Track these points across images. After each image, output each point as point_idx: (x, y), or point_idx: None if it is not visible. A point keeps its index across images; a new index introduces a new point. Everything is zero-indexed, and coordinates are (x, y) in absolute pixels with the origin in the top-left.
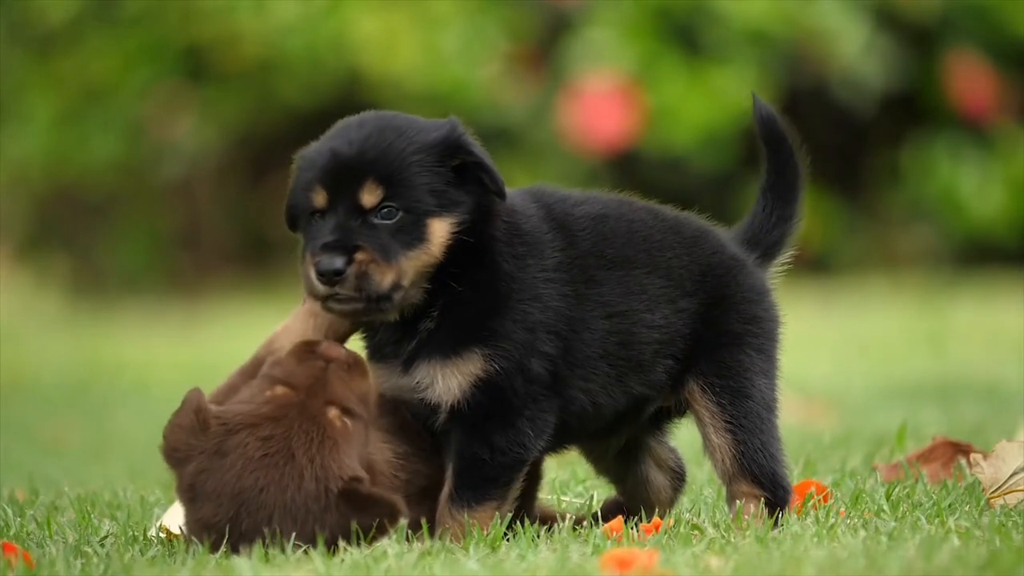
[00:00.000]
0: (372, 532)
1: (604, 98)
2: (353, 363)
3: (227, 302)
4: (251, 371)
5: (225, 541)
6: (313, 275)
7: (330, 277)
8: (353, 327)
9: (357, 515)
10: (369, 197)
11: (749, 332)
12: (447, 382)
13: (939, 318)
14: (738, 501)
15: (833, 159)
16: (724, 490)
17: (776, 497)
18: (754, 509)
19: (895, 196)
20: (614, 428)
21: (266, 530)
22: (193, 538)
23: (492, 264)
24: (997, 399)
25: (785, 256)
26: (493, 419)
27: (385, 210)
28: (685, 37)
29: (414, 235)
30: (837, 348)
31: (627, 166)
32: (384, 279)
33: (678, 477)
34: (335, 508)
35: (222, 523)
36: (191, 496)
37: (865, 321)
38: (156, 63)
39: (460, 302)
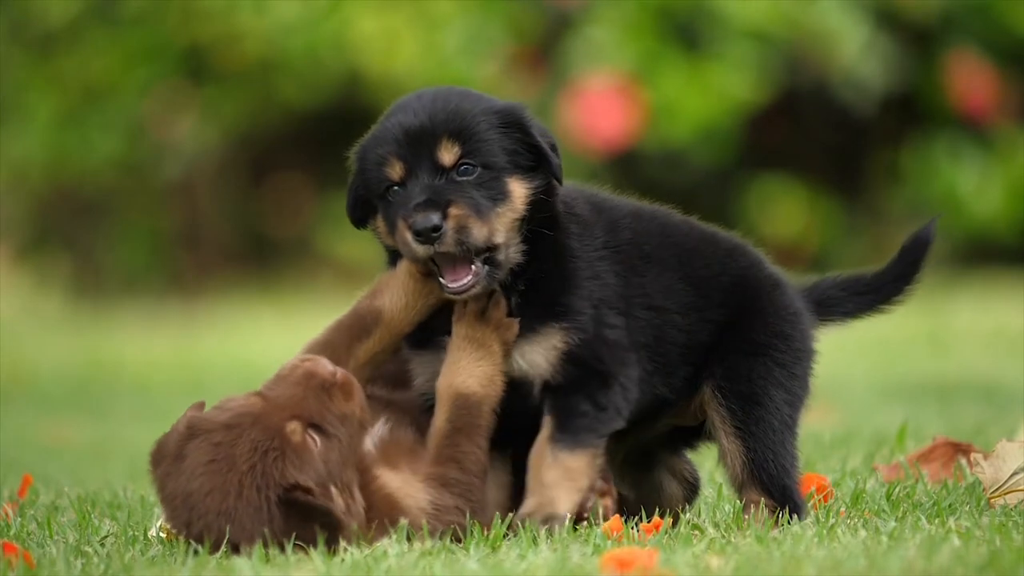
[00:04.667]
0: (318, 539)
1: (605, 97)
2: (337, 383)
3: (227, 302)
4: (349, 324)
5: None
6: (410, 238)
7: (427, 235)
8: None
9: (298, 523)
10: (447, 155)
11: (773, 345)
12: (532, 358)
13: (939, 318)
14: (741, 503)
15: (833, 159)
16: (736, 499)
17: (786, 510)
18: (761, 515)
19: (895, 196)
20: (629, 429)
21: (209, 535)
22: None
23: (557, 240)
24: (997, 399)
25: (835, 323)
26: (591, 382)
27: (464, 167)
28: (685, 36)
29: (497, 190)
30: (837, 348)
31: (628, 164)
32: (480, 233)
33: (691, 487)
34: (276, 516)
35: (178, 526)
36: (160, 498)
37: (865, 321)
38: (156, 63)
39: (537, 278)
